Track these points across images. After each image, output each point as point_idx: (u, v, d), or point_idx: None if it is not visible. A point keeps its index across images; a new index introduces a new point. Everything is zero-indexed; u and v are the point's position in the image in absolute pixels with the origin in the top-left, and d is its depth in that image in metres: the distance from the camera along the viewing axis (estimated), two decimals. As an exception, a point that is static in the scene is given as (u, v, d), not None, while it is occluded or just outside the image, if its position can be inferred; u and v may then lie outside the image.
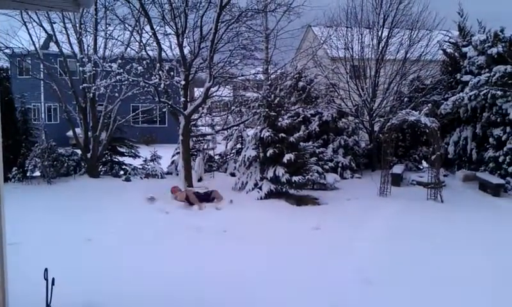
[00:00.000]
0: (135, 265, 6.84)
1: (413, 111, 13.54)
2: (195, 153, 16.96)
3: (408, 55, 17.40)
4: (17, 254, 6.51)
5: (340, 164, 15.91)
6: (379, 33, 17.26)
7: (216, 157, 18.16)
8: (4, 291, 4.00)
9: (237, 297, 5.72)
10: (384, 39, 17.19)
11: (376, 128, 17.73)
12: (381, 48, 17.24)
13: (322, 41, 17.90)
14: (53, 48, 16.95)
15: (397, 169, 15.11)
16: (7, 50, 16.77)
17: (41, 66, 16.41)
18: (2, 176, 3.88)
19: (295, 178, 11.88)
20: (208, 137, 17.96)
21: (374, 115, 17.45)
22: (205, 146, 17.96)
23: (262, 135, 12.38)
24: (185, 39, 13.88)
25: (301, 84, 17.41)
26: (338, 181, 14.38)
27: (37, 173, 14.54)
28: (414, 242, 8.48)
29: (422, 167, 17.34)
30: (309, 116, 16.74)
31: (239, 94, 18.84)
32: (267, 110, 12.62)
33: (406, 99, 17.44)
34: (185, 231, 9.03)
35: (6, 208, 3.98)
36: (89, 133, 15.56)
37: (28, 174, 14.22)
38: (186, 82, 13.42)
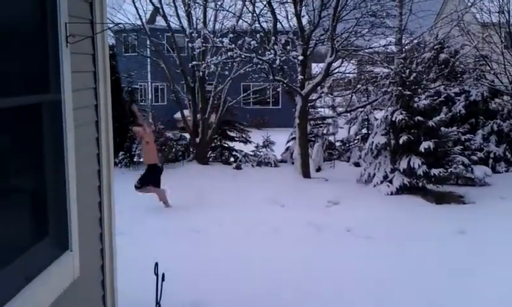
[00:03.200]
0: (249, 262, 7.02)
1: None
2: (313, 138, 16.94)
3: None
4: (125, 244, 7.00)
5: (491, 155, 14.94)
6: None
7: (338, 144, 18.01)
8: (114, 286, 4.28)
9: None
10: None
11: (541, 110, 16.29)
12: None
13: (470, 4, 16.82)
14: (160, 22, 17.84)
15: None
16: (113, 26, 17.99)
17: (148, 42, 17.36)
18: (113, 162, 4.13)
19: (434, 171, 11.47)
20: (329, 121, 17.85)
21: (538, 94, 16.06)
22: (325, 131, 17.86)
23: (393, 119, 12.09)
24: (303, 8, 13.85)
25: (442, 56, 16.57)
26: (490, 175, 13.49)
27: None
28: None
29: None
30: (453, 95, 15.90)
31: (365, 70, 18.39)
32: (400, 88, 12.26)
33: None
34: (304, 227, 9.13)
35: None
36: (198, 115, 16.22)
37: (135, 159, 15.23)
38: (304, 57, 13.41)
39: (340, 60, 14.81)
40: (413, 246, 8.10)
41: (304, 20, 14.07)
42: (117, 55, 17.55)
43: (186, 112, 16.86)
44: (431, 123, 11.87)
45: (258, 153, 16.94)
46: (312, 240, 8.48)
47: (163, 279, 4.00)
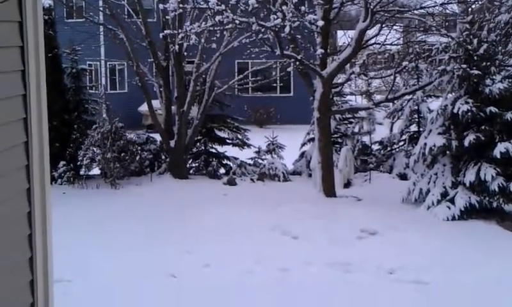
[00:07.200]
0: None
1: None
2: (339, 140, 16.92)
3: None
4: (67, 295, 6.97)
5: None
6: None
7: (375, 147, 17.97)
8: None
9: None
10: None
11: None
12: None
13: None
14: (118, -26, 17.80)
15: None
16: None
17: (101, 2, 17.32)
18: (49, 177, 4.08)
19: (515, 185, 11.45)
20: (362, 114, 17.81)
21: None
22: (357, 129, 17.84)
23: (455, 110, 12.10)
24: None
25: (526, 19, 16.57)
26: None
27: (95, 170, 15.46)
28: None
29: None
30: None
31: (414, 41, 18.37)
32: (464, 66, 12.23)
33: None
34: (327, 268, 9.19)
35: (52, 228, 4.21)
36: (173, 108, 16.16)
37: (82, 173, 15.19)
38: (326, 23, 13.38)
39: (379, 26, 14.77)
40: (484, 297, 8.05)
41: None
42: (56, 23, 17.48)
43: (156, 103, 16.79)
44: (510, 115, 11.85)
45: (260, 161, 16.90)
46: (338, 287, 8.45)
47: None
